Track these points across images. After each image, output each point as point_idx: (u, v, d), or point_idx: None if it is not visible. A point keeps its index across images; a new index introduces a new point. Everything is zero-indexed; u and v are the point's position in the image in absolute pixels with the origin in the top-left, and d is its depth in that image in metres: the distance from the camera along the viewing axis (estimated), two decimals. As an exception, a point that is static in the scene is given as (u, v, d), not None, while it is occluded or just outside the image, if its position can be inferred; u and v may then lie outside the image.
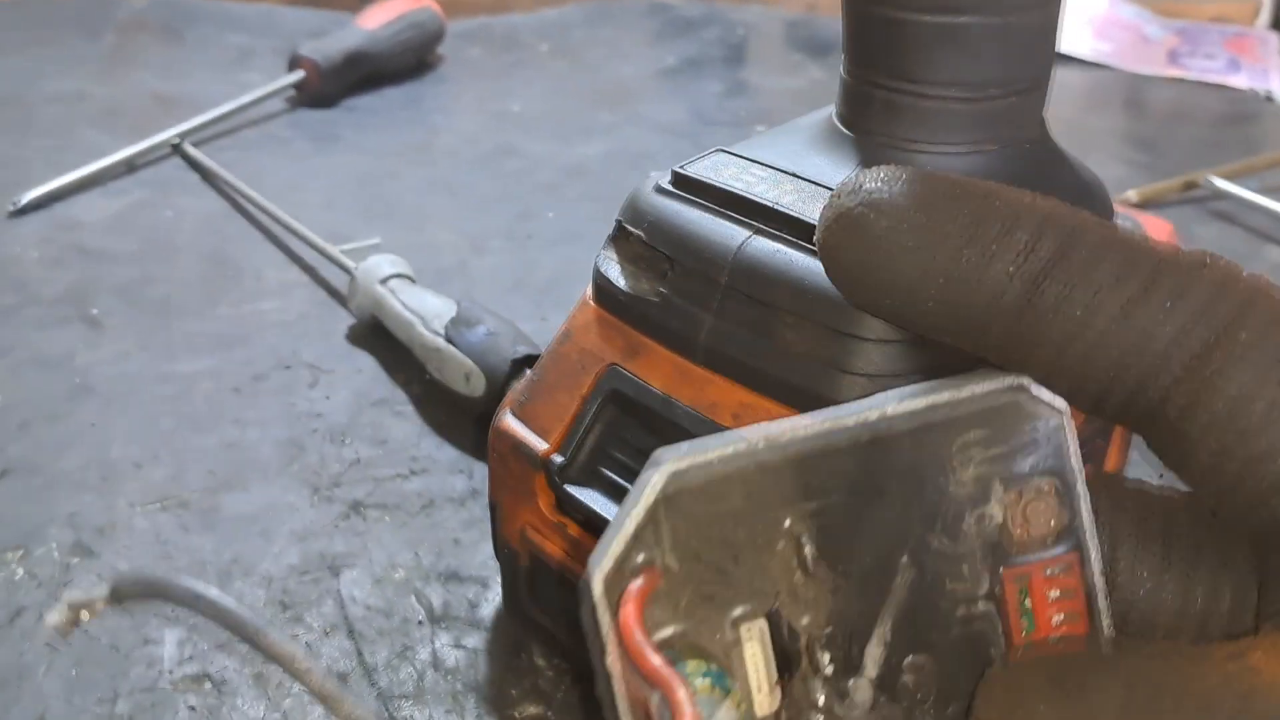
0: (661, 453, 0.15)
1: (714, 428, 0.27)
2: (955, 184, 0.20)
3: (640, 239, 0.30)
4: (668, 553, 0.15)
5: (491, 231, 0.59)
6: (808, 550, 0.15)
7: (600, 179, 0.65)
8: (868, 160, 0.30)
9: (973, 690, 0.15)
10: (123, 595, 0.15)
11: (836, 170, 0.29)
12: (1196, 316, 0.17)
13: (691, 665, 0.14)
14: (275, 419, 0.43)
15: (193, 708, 0.31)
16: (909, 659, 0.15)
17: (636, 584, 0.14)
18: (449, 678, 0.33)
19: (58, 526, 0.37)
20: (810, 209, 0.27)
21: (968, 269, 0.18)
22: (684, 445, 0.15)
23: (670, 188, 0.30)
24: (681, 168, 0.30)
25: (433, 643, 0.34)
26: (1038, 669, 0.15)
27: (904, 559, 0.15)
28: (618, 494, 0.29)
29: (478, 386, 0.42)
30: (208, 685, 0.32)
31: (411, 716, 0.31)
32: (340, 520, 0.38)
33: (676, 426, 0.28)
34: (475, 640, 0.34)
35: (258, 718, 0.31)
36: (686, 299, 0.28)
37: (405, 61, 0.79)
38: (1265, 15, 1.12)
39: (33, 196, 0.58)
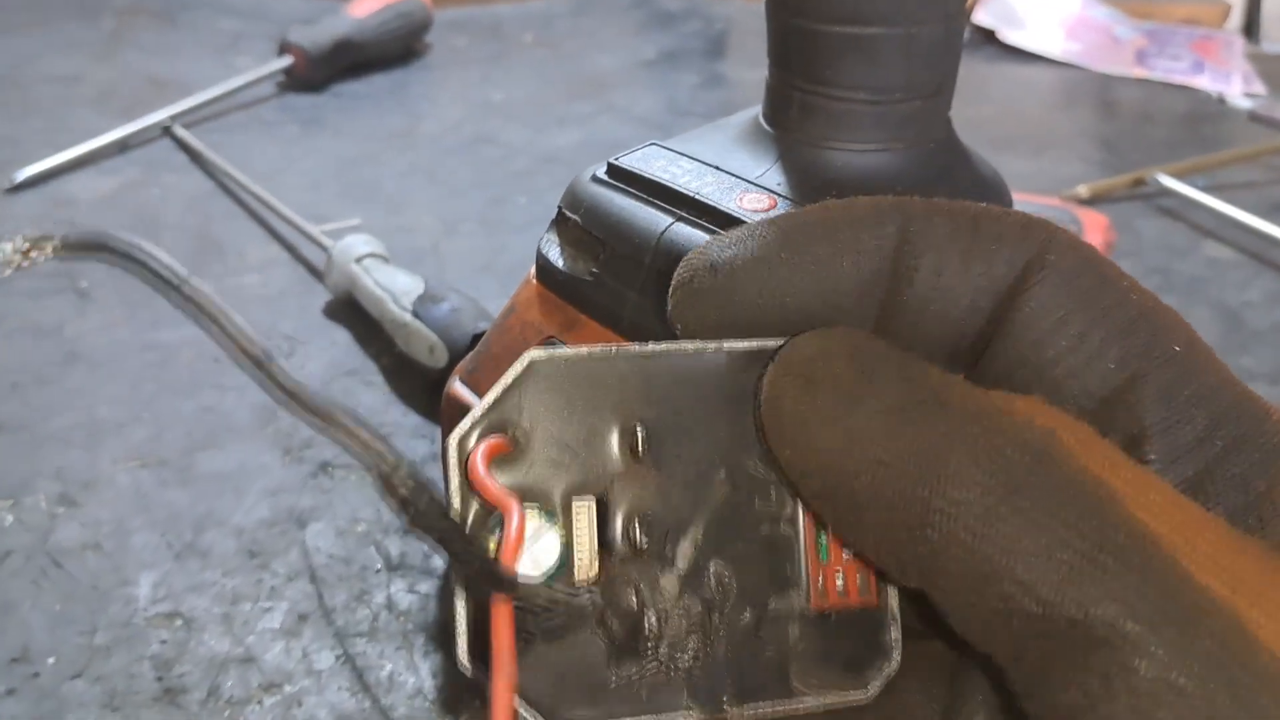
0: (531, 349, 0.18)
1: None
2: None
3: (577, 224, 0.32)
4: (520, 426, 0.18)
5: (465, 215, 0.62)
6: (640, 446, 0.18)
7: (572, 167, 0.67)
8: (785, 156, 0.33)
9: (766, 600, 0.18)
10: (72, 245, 0.17)
11: (756, 164, 0.32)
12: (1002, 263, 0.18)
13: (528, 506, 0.17)
14: (251, 386, 0.46)
15: (164, 641, 0.34)
16: (715, 562, 0.18)
17: (489, 440, 0.18)
18: (401, 619, 0.36)
19: (45, 480, 0.40)
20: (727, 199, 0.30)
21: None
22: (556, 348, 0.18)
23: (605, 177, 0.33)
24: (616, 159, 0.33)
25: (388, 588, 0.37)
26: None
27: (721, 474, 0.18)
28: None
29: (440, 358, 0.45)
30: (178, 622, 0.35)
31: (364, 652, 0.34)
32: (309, 479, 0.41)
33: None
34: (427, 586, 0.37)
35: (223, 651, 0.34)
36: (616, 279, 0.31)
37: (392, 50, 0.82)
38: (1235, 18, 1.15)
39: (29, 174, 0.61)
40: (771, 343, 0.18)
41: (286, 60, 0.75)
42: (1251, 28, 1.16)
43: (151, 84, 0.76)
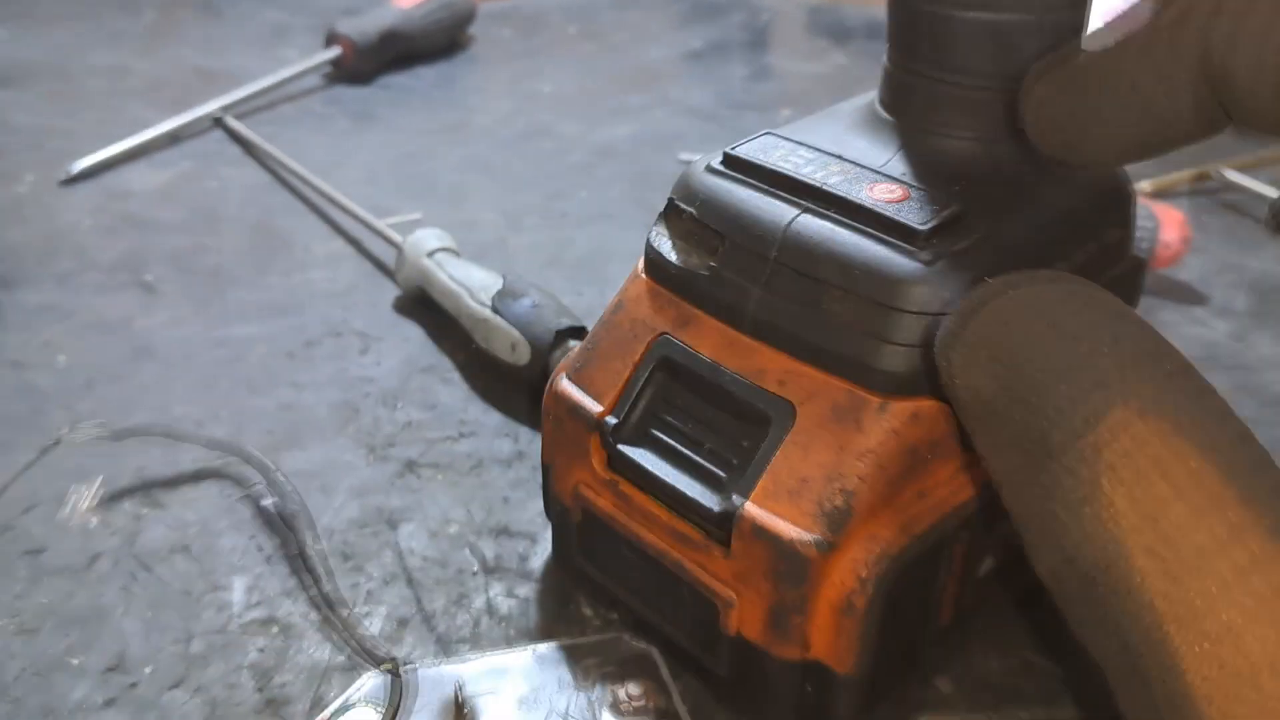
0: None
1: (759, 392, 0.29)
2: None
3: (692, 216, 0.31)
4: None
5: (527, 209, 0.61)
6: None
7: (630, 160, 0.67)
8: (908, 144, 0.32)
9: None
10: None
11: (879, 153, 0.31)
12: None
13: None
14: (329, 383, 0.45)
15: (261, 649, 0.33)
16: None
17: None
18: (503, 624, 0.34)
19: (127, 479, 0.39)
20: (856, 189, 0.29)
21: None
22: None
23: (721, 168, 0.32)
24: (732, 149, 0.32)
25: (487, 592, 0.36)
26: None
27: None
28: (667, 453, 0.31)
29: (523, 355, 0.44)
30: (275, 629, 0.34)
31: (468, 658, 0.33)
32: (395, 478, 0.40)
33: (724, 391, 0.30)
34: (526, 590, 0.36)
35: (323, 658, 0.33)
36: (736, 273, 0.30)
37: (437, 41, 0.81)
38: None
39: (83, 166, 0.60)
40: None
41: (334, 51, 0.74)
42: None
43: (198, 75, 0.75)
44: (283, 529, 0.27)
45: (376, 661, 0.26)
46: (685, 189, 0.32)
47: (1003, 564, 0.33)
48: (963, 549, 0.30)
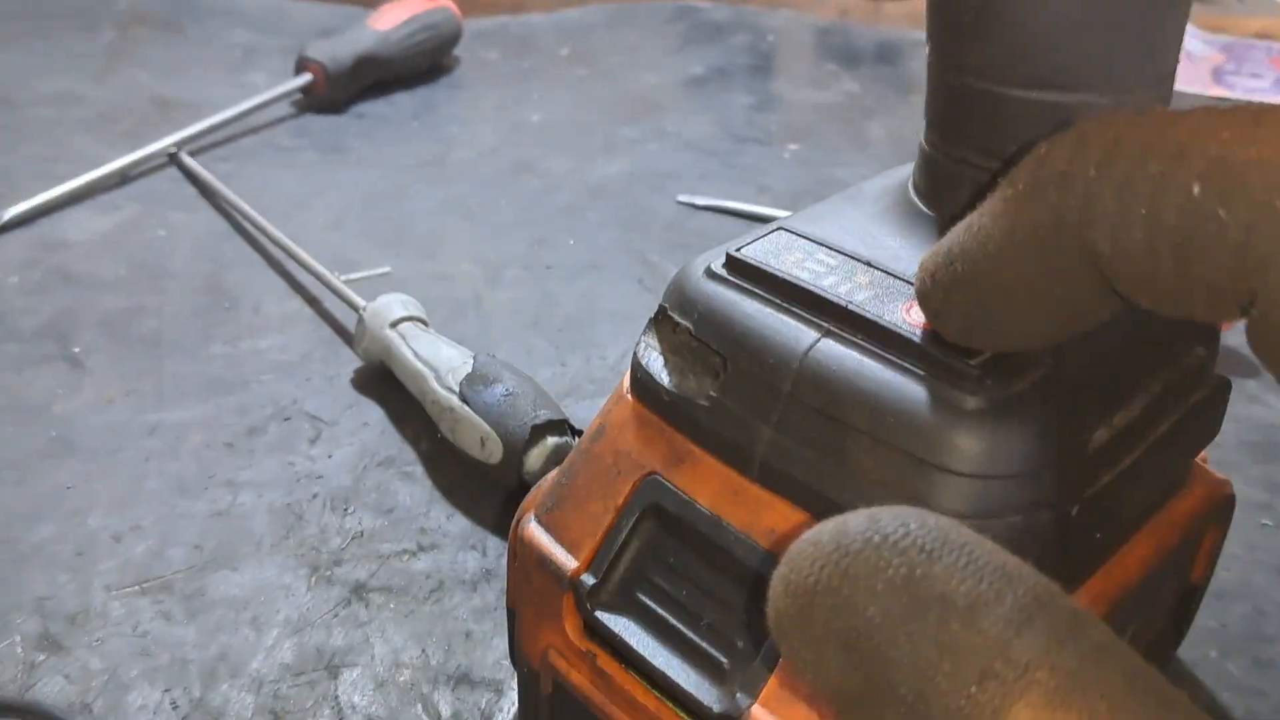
0: None
1: (770, 559, 0.23)
2: None
3: (688, 331, 0.26)
4: None
5: (508, 260, 0.55)
6: None
7: (622, 201, 0.61)
8: None
9: None
10: None
11: (916, 257, 0.25)
12: None
13: None
14: (271, 481, 0.39)
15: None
16: None
17: None
18: (459, 810, 0.29)
19: (24, 614, 0.33)
20: (889, 310, 0.24)
21: None
22: None
23: (724, 273, 0.26)
24: (737, 250, 0.26)
25: (441, 764, 0.30)
26: None
27: None
28: (656, 625, 0.25)
29: (494, 453, 0.38)
30: (187, 810, 0.28)
31: None
32: (340, 607, 0.34)
33: (726, 553, 0.24)
34: (489, 762, 0.30)
35: None
36: (742, 405, 0.24)
37: (418, 65, 0.75)
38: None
39: (16, 212, 0.54)
40: None
41: (304, 78, 0.69)
42: (1331, 39, 1.09)
43: (156, 104, 0.69)
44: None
45: None
46: (680, 296, 0.26)
47: None
48: None
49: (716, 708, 0.23)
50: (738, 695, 0.23)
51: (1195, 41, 0.94)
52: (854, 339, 0.23)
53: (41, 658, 0.32)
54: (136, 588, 0.35)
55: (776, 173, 0.64)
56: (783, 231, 0.27)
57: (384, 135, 0.68)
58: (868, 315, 0.23)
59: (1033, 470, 0.22)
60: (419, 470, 0.41)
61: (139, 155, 0.60)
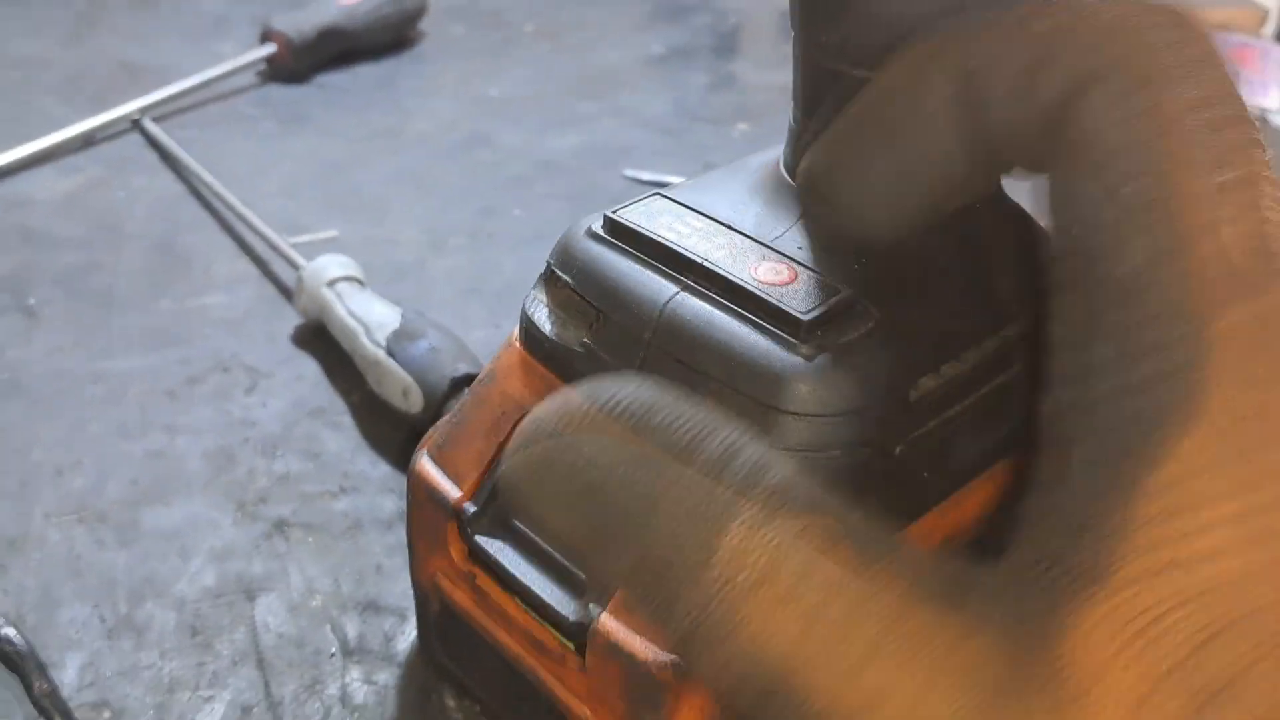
0: None
1: None
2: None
3: (568, 285, 0.28)
4: None
5: (454, 228, 0.57)
6: None
7: (572, 175, 0.63)
8: (809, 215, 0.28)
9: None
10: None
11: (775, 223, 0.28)
12: None
13: None
14: (207, 426, 0.42)
15: (86, 744, 0.30)
16: None
17: None
18: (355, 715, 0.31)
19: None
20: (740, 268, 0.26)
21: None
22: None
23: (602, 233, 0.28)
24: (614, 213, 0.28)
25: (343, 677, 0.33)
26: None
27: None
28: (528, 548, 0.28)
29: (415, 403, 0.41)
30: (106, 715, 0.31)
31: (310, 763, 0.30)
32: (262, 540, 0.37)
33: None
34: (386, 677, 0.33)
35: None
36: (611, 353, 0.27)
37: (382, 39, 0.77)
38: (1272, 24, 1.10)
39: (-18, 171, 0.57)
40: None
41: (268, 49, 0.71)
42: (1287, 33, 1.11)
43: (124, 70, 0.71)
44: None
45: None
46: (563, 254, 0.29)
47: None
48: None
49: (573, 617, 0.26)
50: (591, 606, 0.26)
51: (1150, 32, 0.97)
52: (708, 293, 0.26)
53: (-22, 580, 0.35)
54: (74, 516, 0.37)
55: (723, 151, 0.66)
56: (659, 197, 0.29)
57: (344, 106, 0.70)
58: (720, 271, 0.26)
59: (856, 411, 0.25)
60: (347, 420, 0.43)
61: (103, 120, 0.62)
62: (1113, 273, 0.18)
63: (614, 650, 0.25)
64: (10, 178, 0.58)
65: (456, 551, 0.29)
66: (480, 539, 0.28)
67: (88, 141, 0.62)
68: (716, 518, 0.16)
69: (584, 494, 0.17)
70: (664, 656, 0.24)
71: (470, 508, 0.28)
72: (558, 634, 0.27)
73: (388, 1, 0.77)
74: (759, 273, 0.26)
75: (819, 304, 0.25)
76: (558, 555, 0.27)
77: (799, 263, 0.26)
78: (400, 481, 0.40)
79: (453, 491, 0.29)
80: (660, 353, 0.26)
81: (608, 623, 0.25)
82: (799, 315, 0.24)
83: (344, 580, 0.36)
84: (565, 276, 0.28)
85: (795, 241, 0.27)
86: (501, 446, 0.29)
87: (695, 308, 0.26)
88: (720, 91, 0.75)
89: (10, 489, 0.38)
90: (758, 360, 0.24)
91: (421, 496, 0.30)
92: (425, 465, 0.30)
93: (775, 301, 0.25)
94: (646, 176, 0.63)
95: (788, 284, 0.26)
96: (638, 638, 0.25)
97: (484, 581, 0.29)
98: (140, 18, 0.79)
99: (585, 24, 0.85)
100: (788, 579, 0.16)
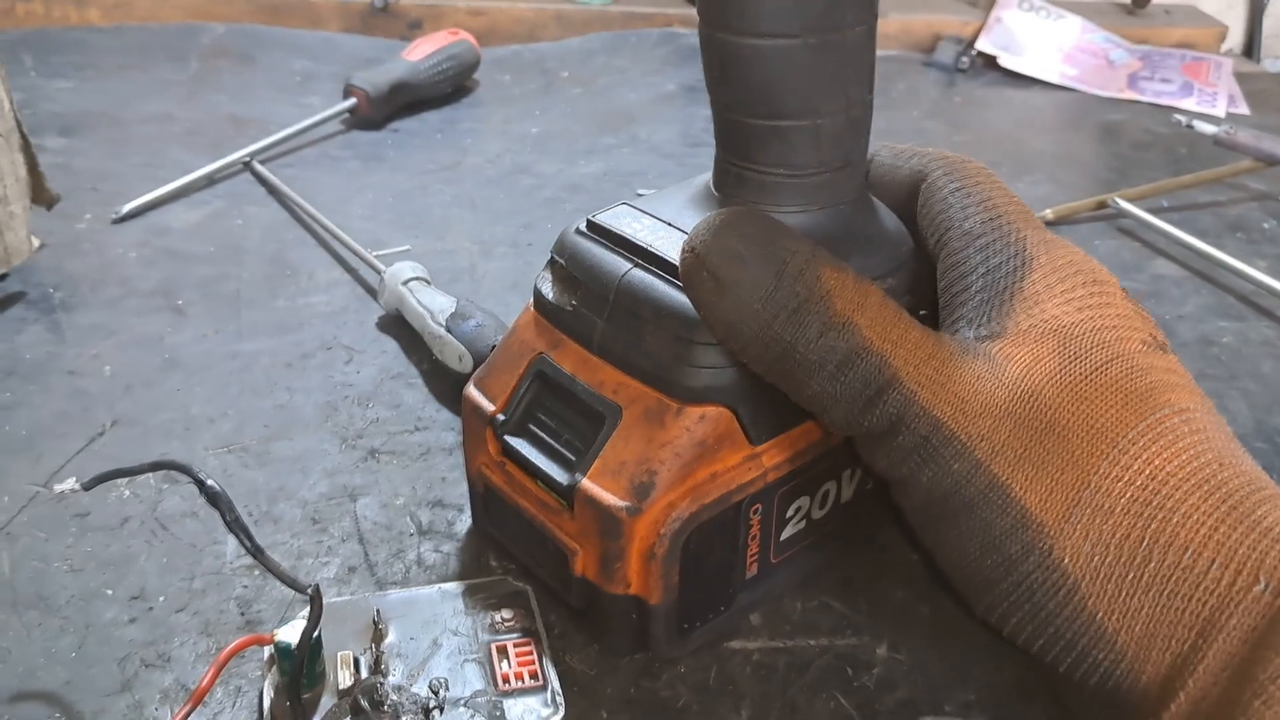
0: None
1: (600, 399, 0.39)
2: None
3: (562, 265, 0.42)
4: None
5: (500, 240, 0.72)
6: None
7: (594, 195, 0.78)
8: None
9: None
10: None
11: None
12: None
13: None
14: (316, 387, 0.57)
15: (245, 586, 0.44)
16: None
17: None
18: (428, 571, 0.45)
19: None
20: (672, 251, 0.39)
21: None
22: None
23: (585, 230, 0.42)
24: (593, 217, 0.42)
25: (419, 548, 0.47)
26: None
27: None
28: (538, 442, 0.41)
29: (467, 365, 0.55)
30: (256, 573, 0.45)
31: (389, 594, 0.44)
32: (360, 462, 0.51)
33: (577, 397, 0.40)
34: (449, 547, 0.47)
35: (289, 595, 0.44)
36: (589, 309, 0.40)
37: (443, 89, 0.92)
38: (1236, 38, 1.21)
39: (131, 207, 0.72)
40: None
41: (351, 101, 0.86)
42: (1252, 48, 1.22)
43: (232, 122, 0.87)
44: (217, 509, 0.38)
45: (300, 588, 0.37)
46: (560, 245, 0.42)
47: (810, 528, 0.43)
48: (759, 518, 0.40)
49: (565, 483, 0.40)
50: (576, 474, 0.39)
51: (1118, 51, 1.08)
52: (650, 268, 0.39)
53: (165, 486, 0.49)
54: (225, 449, 0.52)
55: (721, 171, 0.80)
56: (625, 206, 0.42)
57: (413, 146, 0.85)
58: (659, 253, 0.39)
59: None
60: (419, 382, 0.57)
61: (221, 163, 0.78)
62: (966, 228, 0.38)
63: (590, 502, 0.38)
64: (153, 211, 0.73)
65: (493, 448, 0.43)
66: (508, 438, 0.42)
67: (210, 181, 0.77)
68: (807, 264, 0.34)
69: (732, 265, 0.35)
70: (621, 503, 0.38)
71: (500, 417, 0.42)
72: (556, 496, 0.40)
73: (448, 58, 0.92)
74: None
75: None
76: (556, 445, 0.41)
77: None
78: (458, 422, 0.54)
79: (490, 407, 0.43)
80: (618, 308, 0.39)
81: (587, 484, 0.39)
82: None
83: (418, 487, 0.50)
84: (560, 260, 0.42)
85: None
86: (521, 375, 0.42)
87: (640, 277, 0.39)
88: (724, 122, 0.89)
89: (178, 433, 0.53)
90: (680, 311, 0.37)
91: (469, 411, 0.44)
92: (471, 390, 0.44)
93: None
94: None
95: None
96: (605, 492, 0.38)
97: (511, 468, 0.42)
98: (243, 77, 0.95)
99: (611, 69, 0.99)
100: (851, 289, 0.34)
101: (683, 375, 0.37)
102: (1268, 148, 0.79)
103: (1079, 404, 0.33)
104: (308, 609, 0.37)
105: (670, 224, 0.41)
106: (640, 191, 0.78)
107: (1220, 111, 0.99)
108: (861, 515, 0.45)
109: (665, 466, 0.37)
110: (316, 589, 0.37)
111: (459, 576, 0.45)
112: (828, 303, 0.33)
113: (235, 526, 0.38)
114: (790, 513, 0.41)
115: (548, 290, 0.42)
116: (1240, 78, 1.06)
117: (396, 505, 0.49)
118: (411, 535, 0.47)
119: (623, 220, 0.41)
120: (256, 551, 0.37)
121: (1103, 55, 1.07)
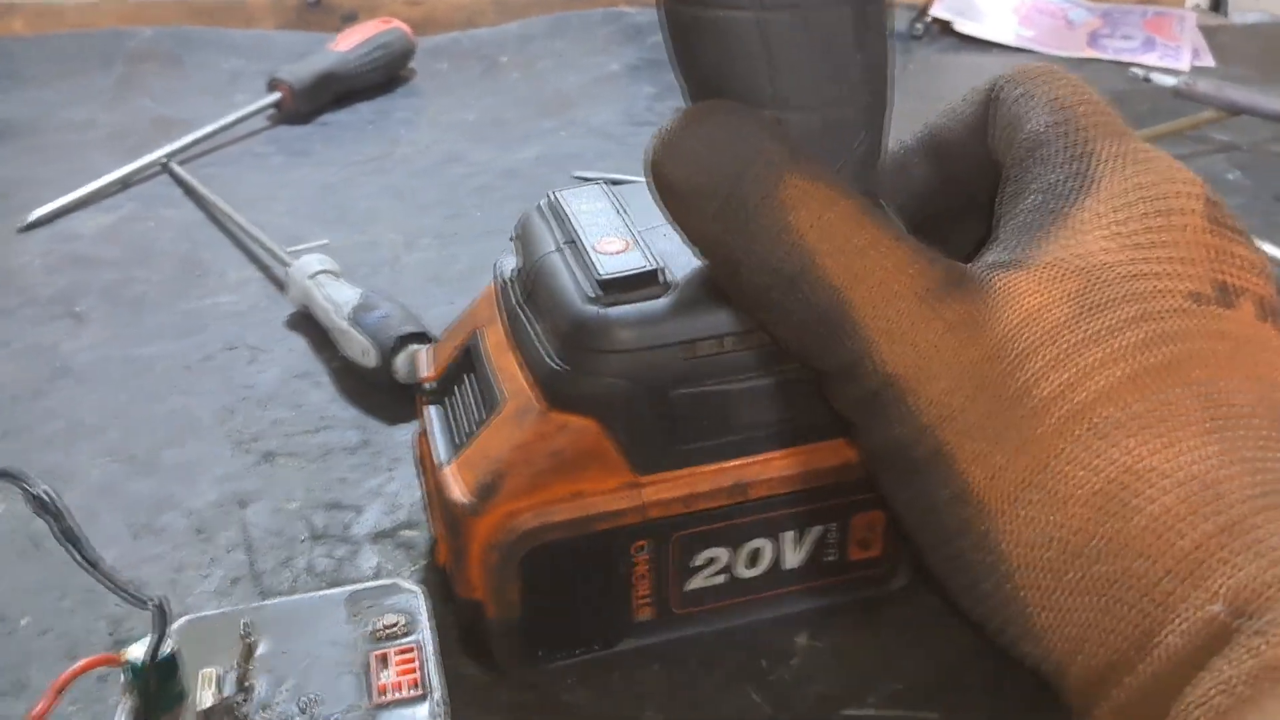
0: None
1: (493, 384, 0.36)
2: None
3: (514, 238, 0.39)
4: None
5: (425, 231, 0.69)
6: None
7: (529, 180, 0.74)
8: None
9: None
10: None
11: (656, 218, 0.35)
12: None
13: None
14: (215, 390, 0.53)
15: (118, 604, 0.41)
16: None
17: None
18: (317, 579, 0.42)
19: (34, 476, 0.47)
20: (591, 239, 0.35)
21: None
22: None
23: (543, 207, 0.38)
24: (556, 192, 0.38)
25: (310, 554, 0.43)
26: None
27: None
28: (445, 419, 0.38)
29: (371, 359, 0.52)
30: (131, 587, 0.42)
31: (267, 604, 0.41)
32: (254, 466, 0.48)
33: (484, 377, 0.37)
34: (343, 551, 0.43)
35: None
36: (514, 289, 0.37)
37: (375, 79, 0.89)
38: (1201, -5, 1.18)
39: (39, 214, 0.69)
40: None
41: (275, 96, 0.83)
42: (1219, 3, 1.19)
43: (157, 124, 0.84)
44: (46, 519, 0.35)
45: (140, 602, 0.34)
46: (520, 221, 0.39)
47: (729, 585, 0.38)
48: (645, 556, 0.36)
49: (441, 462, 0.36)
50: (447, 459, 0.36)
51: (1077, 10, 1.05)
52: (565, 255, 0.35)
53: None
54: (110, 458, 0.49)
55: (660, 148, 0.77)
56: (598, 186, 0.39)
57: (342, 140, 0.82)
58: (579, 239, 0.35)
59: (629, 351, 0.33)
60: (326, 380, 0.54)
61: (136, 165, 0.75)
62: (1028, 130, 0.33)
63: (443, 489, 0.35)
64: (61, 219, 0.70)
65: (420, 414, 0.40)
66: (429, 406, 0.39)
67: (125, 184, 0.74)
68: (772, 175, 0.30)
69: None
70: (463, 499, 0.34)
71: (428, 386, 0.39)
72: (435, 476, 0.37)
73: (377, 46, 0.89)
74: (601, 244, 0.35)
75: (622, 270, 0.34)
76: (454, 419, 0.38)
77: (640, 243, 0.35)
78: (364, 420, 0.51)
79: (424, 372, 0.40)
80: (531, 292, 0.36)
81: (446, 472, 0.36)
82: (600, 275, 0.34)
83: (315, 489, 0.47)
84: (514, 233, 0.39)
85: (663, 232, 0.35)
86: (457, 348, 0.39)
87: (554, 262, 0.35)
88: (664, 99, 0.86)
89: (62, 443, 0.50)
90: (566, 304, 0.34)
91: (415, 375, 0.41)
92: (419, 356, 0.41)
93: (592, 262, 0.34)
94: (592, 175, 0.74)
95: (619, 253, 0.35)
96: (456, 483, 0.35)
97: (424, 438, 0.39)
98: (170, 79, 0.92)
99: (551, 52, 0.96)
100: (818, 201, 0.30)
101: (556, 377, 0.34)
102: (1228, 96, 0.76)
103: (1069, 372, 0.28)
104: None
105: (620, 211, 0.37)
106: (576, 174, 0.74)
107: (1184, 65, 0.96)
108: (839, 584, 0.39)
109: (515, 471, 0.34)
110: (160, 601, 0.34)
111: (351, 581, 0.42)
112: (781, 215, 0.29)
113: (66, 537, 0.35)
114: (698, 562, 0.36)
115: (501, 262, 0.39)
116: (1206, 31, 1.03)
117: (289, 510, 0.46)
118: (303, 541, 0.44)
119: (580, 199, 0.38)
120: (91, 564, 0.34)
121: (1061, 15, 1.03)
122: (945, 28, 1.02)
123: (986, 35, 1.00)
